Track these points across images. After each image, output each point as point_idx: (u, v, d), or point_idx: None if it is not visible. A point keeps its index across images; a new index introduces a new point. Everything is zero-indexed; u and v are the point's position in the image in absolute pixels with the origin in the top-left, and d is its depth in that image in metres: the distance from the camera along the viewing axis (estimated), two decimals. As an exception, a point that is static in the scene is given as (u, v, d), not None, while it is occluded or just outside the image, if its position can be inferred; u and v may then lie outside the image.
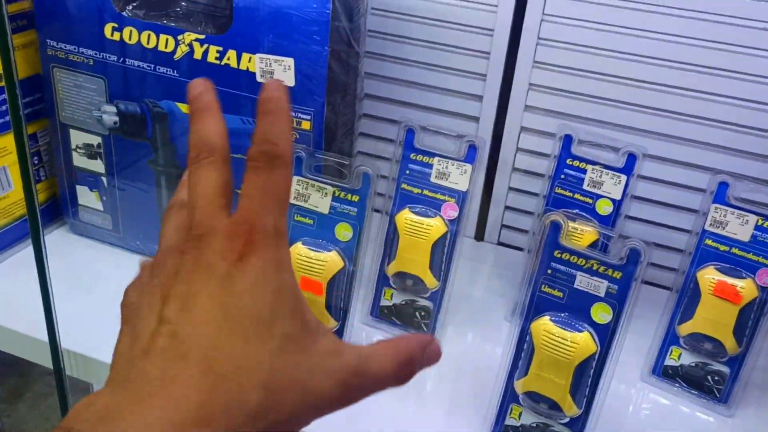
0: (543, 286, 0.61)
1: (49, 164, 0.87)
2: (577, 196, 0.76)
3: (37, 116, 0.84)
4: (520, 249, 0.92)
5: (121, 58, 0.73)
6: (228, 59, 0.69)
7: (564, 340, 0.59)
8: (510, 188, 0.92)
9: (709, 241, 0.70)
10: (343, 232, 0.67)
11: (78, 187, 0.84)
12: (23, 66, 0.80)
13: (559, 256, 0.60)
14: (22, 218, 0.85)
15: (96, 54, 0.74)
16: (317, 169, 0.67)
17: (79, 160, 0.82)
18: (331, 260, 0.66)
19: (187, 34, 0.70)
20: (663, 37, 0.77)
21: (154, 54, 0.72)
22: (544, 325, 0.61)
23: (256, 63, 0.68)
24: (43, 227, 0.88)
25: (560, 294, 0.61)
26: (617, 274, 0.58)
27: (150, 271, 0.33)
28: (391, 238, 0.75)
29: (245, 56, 0.68)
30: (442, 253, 0.74)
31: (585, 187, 0.75)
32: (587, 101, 0.83)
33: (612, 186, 0.74)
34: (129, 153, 0.79)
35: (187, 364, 0.27)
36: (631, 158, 0.73)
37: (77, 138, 0.81)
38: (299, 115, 0.70)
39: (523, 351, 0.63)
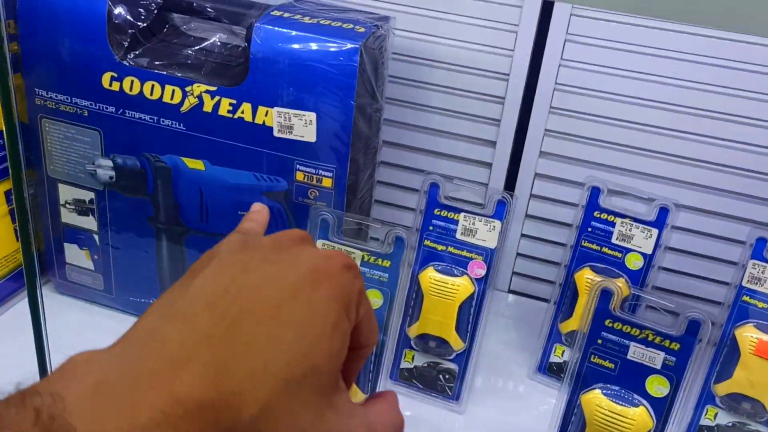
0: (592, 356, 0.58)
1: (32, 219, 0.80)
2: (605, 249, 0.73)
3: (19, 167, 0.77)
4: (531, 297, 0.89)
5: (120, 110, 0.67)
6: (242, 113, 0.64)
7: (619, 416, 0.56)
8: (522, 234, 0.88)
9: (746, 298, 0.67)
10: (372, 299, 0.62)
11: (66, 244, 0.78)
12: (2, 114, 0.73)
13: (610, 325, 0.57)
14: (5, 277, 0.78)
15: (91, 105, 0.68)
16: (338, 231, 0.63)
17: (68, 217, 0.76)
18: (361, 330, 0.61)
19: (196, 85, 0.64)
20: (688, 84, 0.75)
21: (158, 106, 0.66)
22: (596, 399, 0.57)
23: (273, 117, 0.63)
24: (22, 286, 0.81)
25: (612, 365, 0.57)
26: (675, 346, 0.55)
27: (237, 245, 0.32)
28: (414, 297, 0.70)
29: (261, 110, 0.63)
30: (468, 314, 0.70)
31: (614, 240, 0.72)
32: (604, 147, 0.80)
33: (643, 240, 0.71)
34: (126, 209, 0.73)
35: (205, 353, 0.25)
36: (663, 211, 0.70)
37: (66, 193, 0.74)
38: (320, 172, 0.65)
39: (571, 425, 0.59)
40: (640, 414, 0.56)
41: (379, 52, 0.63)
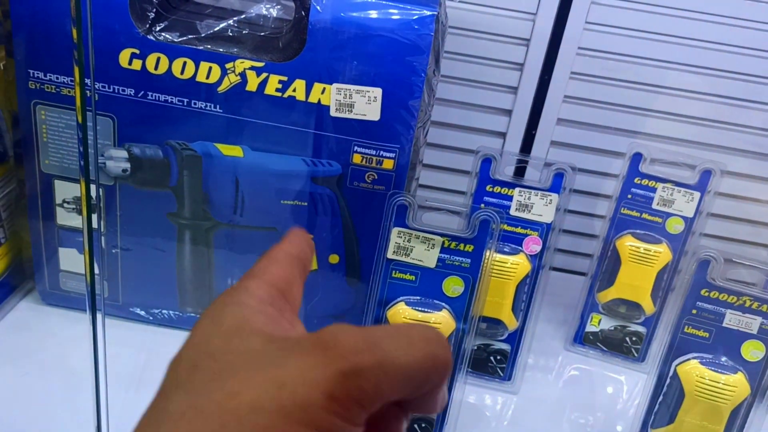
0: (686, 326, 0.57)
1: (9, 223, 0.69)
2: (645, 215, 0.72)
3: (-6, 163, 0.66)
4: (558, 270, 0.88)
5: (141, 92, 0.58)
6: (293, 91, 0.57)
7: (722, 385, 0.56)
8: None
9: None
10: (453, 286, 0.58)
11: (61, 249, 0.67)
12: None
13: (706, 294, 0.56)
14: (-13, 295, 0.67)
15: (104, 87, 0.58)
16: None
17: (66, 218, 0.65)
18: (445, 321, 0.57)
19: (239, 61, 0.56)
20: (720, 47, 0.75)
21: (189, 86, 0.58)
22: (696, 370, 0.56)
23: (331, 94, 0.57)
24: (2, 299, 0.70)
25: (706, 334, 0.57)
26: (772, 310, 0.55)
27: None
28: (467, 279, 0.67)
29: (317, 87, 0.57)
30: (523, 293, 0.68)
31: (654, 206, 0.72)
32: (626, 112, 0.80)
33: (684, 204, 0.71)
34: (140, 206, 0.64)
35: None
36: (705, 174, 0.70)
37: (64, 191, 0.64)
38: (381, 153, 0.59)
39: (664, 395, 0.58)
40: (740, 380, 0.56)
41: (445, 19, 0.58)
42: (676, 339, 0.57)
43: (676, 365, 0.57)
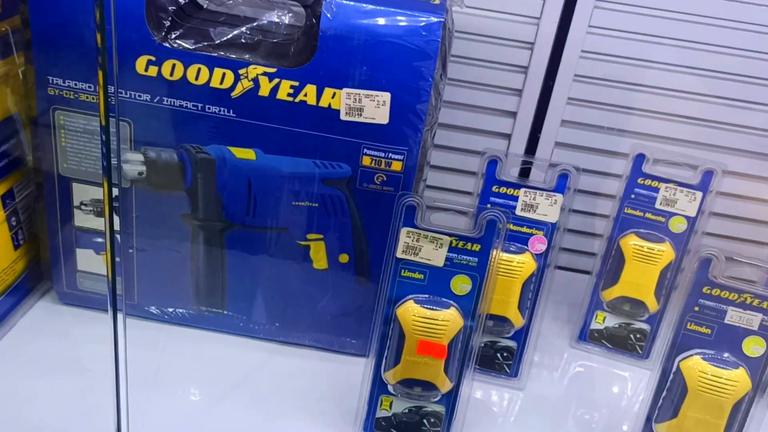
0: (689, 323, 0.59)
1: (28, 225, 0.71)
2: (648, 215, 0.74)
3: (12, 167, 0.68)
4: (563, 269, 0.89)
5: (157, 98, 0.60)
6: (305, 95, 0.59)
7: (724, 380, 0.57)
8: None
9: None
10: (461, 285, 0.60)
11: (79, 250, 0.69)
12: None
13: (708, 292, 0.58)
14: (4, 293, 0.69)
15: (121, 93, 0.60)
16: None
17: (84, 219, 0.67)
18: (453, 319, 0.59)
19: (252, 67, 0.58)
20: (721, 49, 0.77)
21: (204, 91, 0.59)
22: (699, 365, 0.58)
23: (342, 99, 0.59)
24: (21, 300, 0.72)
25: (708, 331, 0.58)
26: (773, 306, 0.57)
27: None
28: (474, 278, 0.69)
29: (328, 92, 0.59)
30: (529, 291, 0.69)
31: (657, 205, 0.73)
32: (629, 114, 0.81)
33: (687, 203, 0.73)
34: (156, 207, 0.65)
35: None
36: (707, 174, 0.72)
37: (82, 193, 0.66)
38: (390, 155, 0.61)
39: (668, 391, 0.60)
40: (741, 375, 0.57)
41: (452, 24, 0.59)
42: (679, 336, 0.59)
43: (679, 361, 0.59)
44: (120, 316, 0.49)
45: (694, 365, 0.58)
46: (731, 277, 0.58)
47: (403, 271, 0.59)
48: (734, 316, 0.57)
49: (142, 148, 0.63)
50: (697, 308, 0.58)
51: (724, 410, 0.58)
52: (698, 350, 0.59)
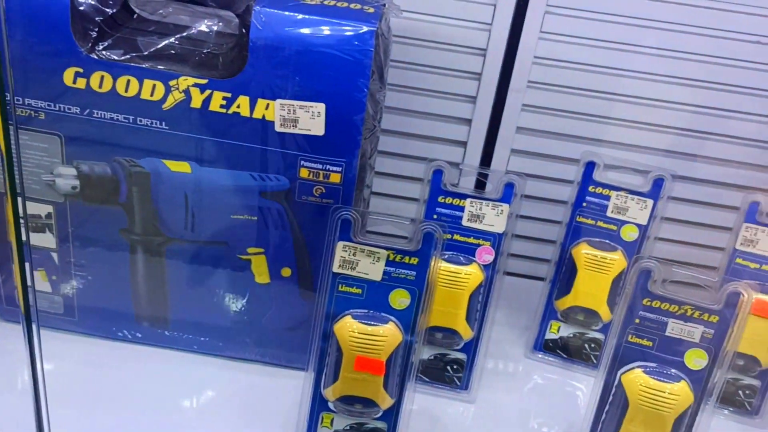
0: (630, 336, 0.57)
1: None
2: (600, 223, 0.73)
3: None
4: (521, 276, 0.88)
5: (87, 110, 0.59)
6: (237, 107, 0.57)
7: (665, 393, 0.56)
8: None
9: (740, 260, 0.70)
10: (399, 299, 0.58)
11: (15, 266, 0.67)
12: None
13: (648, 304, 0.57)
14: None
15: (49, 106, 0.59)
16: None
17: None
18: (392, 334, 0.58)
19: (182, 78, 0.57)
20: (672, 54, 0.76)
21: (134, 104, 0.58)
22: (639, 379, 0.57)
23: (275, 110, 0.57)
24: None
25: (650, 343, 0.57)
26: (714, 318, 0.56)
27: None
28: (420, 290, 0.67)
29: (261, 103, 0.57)
30: (477, 302, 0.68)
31: (609, 213, 0.72)
32: (584, 120, 0.80)
33: (638, 211, 0.72)
34: (92, 222, 0.64)
35: None
36: (658, 182, 0.71)
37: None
38: (328, 167, 0.60)
39: (610, 404, 0.59)
40: (683, 388, 0.56)
41: (387, 32, 0.58)
42: (621, 348, 0.58)
43: (621, 374, 0.58)
44: (35, 328, 0.48)
45: (635, 378, 0.57)
46: (676, 283, 0.57)
47: (340, 285, 0.58)
48: (675, 328, 0.56)
49: (74, 162, 0.61)
50: (638, 320, 0.57)
51: (666, 425, 0.57)
52: (640, 363, 0.58)
